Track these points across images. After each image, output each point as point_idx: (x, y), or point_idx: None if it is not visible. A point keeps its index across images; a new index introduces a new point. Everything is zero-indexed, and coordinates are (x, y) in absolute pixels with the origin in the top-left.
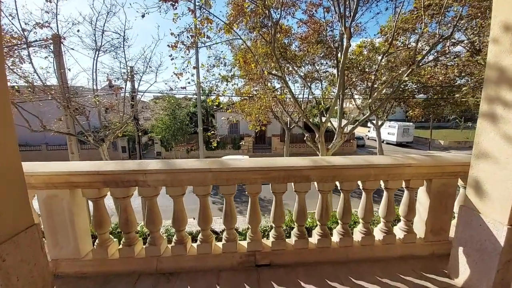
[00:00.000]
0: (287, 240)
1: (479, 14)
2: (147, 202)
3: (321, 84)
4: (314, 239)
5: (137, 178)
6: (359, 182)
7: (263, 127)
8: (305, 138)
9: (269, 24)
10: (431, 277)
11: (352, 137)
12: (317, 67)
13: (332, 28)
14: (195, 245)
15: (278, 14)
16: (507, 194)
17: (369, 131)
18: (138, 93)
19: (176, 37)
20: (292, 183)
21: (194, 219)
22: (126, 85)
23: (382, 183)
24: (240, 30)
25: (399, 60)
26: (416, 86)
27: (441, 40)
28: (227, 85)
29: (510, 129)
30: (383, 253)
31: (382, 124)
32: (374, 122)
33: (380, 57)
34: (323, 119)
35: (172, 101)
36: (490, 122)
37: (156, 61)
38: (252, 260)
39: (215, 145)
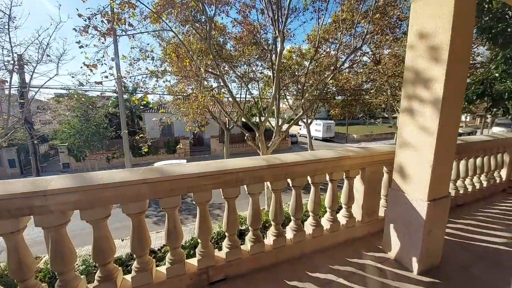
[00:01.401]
0: (242, 247)
1: (379, 31)
2: (51, 234)
3: (258, 84)
4: (269, 240)
5: (32, 203)
6: (308, 177)
7: (202, 128)
8: (246, 138)
9: (203, 19)
10: (370, 255)
11: (287, 135)
12: (253, 68)
13: (266, 31)
14: (129, 277)
15: (212, 10)
16: (425, 175)
17: (300, 129)
18: (31, 89)
19: (86, 20)
20: (245, 186)
21: (122, 240)
22: (11, 77)
23: (327, 176)
24: (170, 22)
25: (323, 66)
26: (335, 89)
27: (354, 50)
28: (157, 81)
29: (425, 121)
30: (331, 241)
31: (311, 122)
32: (305, 120)
33: (307, 63)
34: (262, 118)
35: (83, 99)
36: (409, 116)
37: (58, 49)
38: (204, 278)
39: (146, 150)
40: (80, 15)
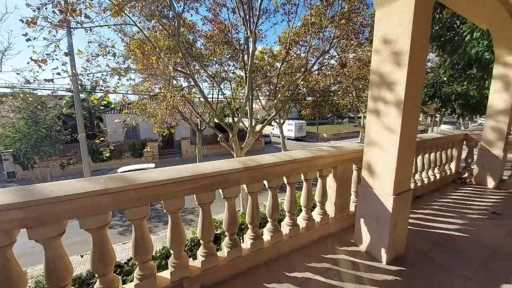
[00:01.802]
0: (218, 253)
1: (345, 36)
2: None
3: (230, 84)
4: (246, 244)
5: None
6: (284, 178)
7: (172, 129)
8: (219, 139)
9: (171, 15)
10: (343, 249)
11: (260, 135)
12: (225, 68)
13: (237, 31)
14: None
15: (181, 6)
16: (390, 171)
17: (273, 129)
18: None
19: (35, 11)
20: (221, 190)
21: (82, 256)
22: None
23: (302, 175)
24: (134, 16)
25: (294, 67)
26: (306, 90)
27: (323, 53)
28: (119, 79)
29: (389, 121)
30: (307, 239)
31: (283, 123)
32: (278, 120)
33: (279, 64)
34: (235, 119)
35: (30, 98)
36: (375, 117)
37: (1, 43)
38: None
39: (108, 155)
40: (28, 5)
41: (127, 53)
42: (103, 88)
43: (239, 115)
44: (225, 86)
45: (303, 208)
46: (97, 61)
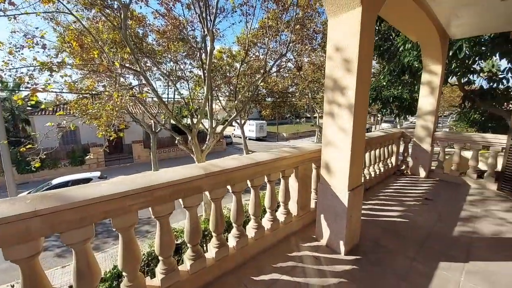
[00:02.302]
0: (180, 267)
1: (300, 41)
2: None
3: (188, 84)
4: (211, 253)
5: None
6: (248, 181)
7: (120, 133)
8: (177, 142)
9: (115, 5)
10: (306, 245)
11: (221, 137)
12: (181, 66)
13: (193, 28)
14: None
15: None
16: (345, 169)
17: (234, 130)
18: None
19: None
20: (181, 199)
21: (12, 286)
22: None
23: (265, 177)
24: (69, 3)
25: (254, 69)
26: (265, 91)
27: (280, 56)
28: (51, 76)
29: (343, 123)
30: (272, 240)
31: (244, 123)
32: (239, 121)
33: (238, 65)
34: (195, 120)
35: None
36: (330, 118)
37: None
38: None
39: (38, 165)
40: None
41: (60, 45)
42: (29, 85)
43: (199, 116)
44: (182, 86)
45: (267, 210)
46: (22, 54)
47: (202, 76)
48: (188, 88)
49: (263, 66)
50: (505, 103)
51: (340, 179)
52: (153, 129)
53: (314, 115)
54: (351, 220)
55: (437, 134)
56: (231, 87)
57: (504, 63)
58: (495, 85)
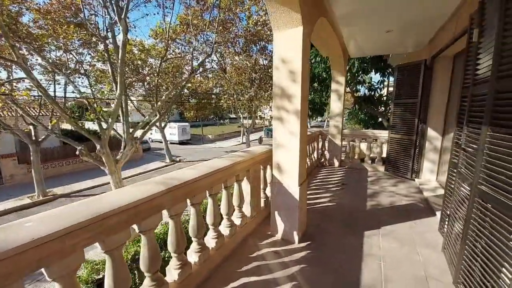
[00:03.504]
0: None
1: (223, 43)
2: None
3: (89, 80)
4: (173, 276)
5: None
6: (207, 191)
7: None
8: (78, 151)
9: None
10: (264, 243)
11: (139, 142)
12: (77, 57)
13: (95, 13)
14: None
15: None
16: (295, 167)
17: (151, 134)
18: None
19: None
20: (135, 225)
21: None
22: None
23: (222, 185)
24: None
25: (176, 67)
26: (189, 91)
27: (207, 56)
28: None
29: (291, 126)
30: (232, 245)
31: (165, 126)
32: (158, 124)
33: (154, 60)
34: (104, 125)
35: None
36: (280, 123)
37: None
38: None
39: None
40: None
41: None
42: None
43: (111, 119)
44: (80, 81)
45: (224, 216)
46: None
47: (110, 71)
48: (89, 84)
49: (190, 65)
50: (379, 106)
51: (291, 177)
52: (35, 138)
53: (244, 116)
54: (301, 211)
55: (344, 131)
56: (146, 85)
57: (378, 77)
58: (373, 93)
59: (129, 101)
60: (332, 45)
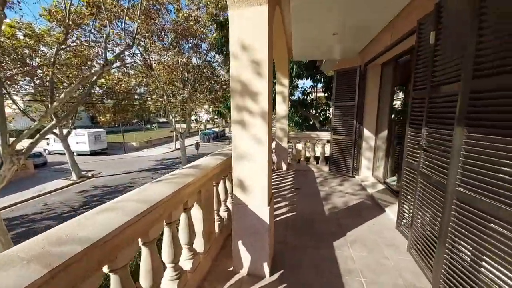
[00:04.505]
0: None
1: (147, 35)
2: None
3: None
4: None
5: None
6: (140, 240)
7: None
8: None
9: None
10: (226, 287)
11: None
12: None
13: None
14: None
15: None
16: (263, 183)
17: (48, 144)
18: None
19: None
20: None
21: None
22: None
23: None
24: None
25: (85, 59)
26: (103, 90)
27: (126, 48)
28: None
29: (257, 132)
30: None
31: (68, 134)
32: (58, 131)
33: (47, 49)
34: None
35: None
36: (242, 128)
37: None
38: None
39: None
40: None
41: None
42: None
43: None
44: None
45: (168, 266)
46: None
47: None
48: None
49: (103, 57)
50: (311, 109)
51: (258, 195)
52: None
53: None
54: (271, 235)
55: (290, 134)
56: (37, 81)
57: (309, 82)
58: (306, 97)
59: (8, 102)
60: (279, 44)
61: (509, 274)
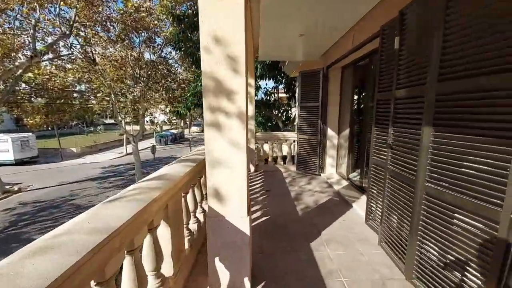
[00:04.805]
0: None
1: (89, 24)
2: None
3: None
4: None
5: None
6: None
7: None
8: None
9: None
10: None
11: None
12: None
13: None
14: None
15: None
16: (242, 190)
17: None
18: None
19: None
20: None
21: None
22: None
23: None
24: None
25: (7, 48)
26: (31, 87)
27: (62, 37)
28: None
29: (234, 135)
30: None
31: None
32: None
33: None
34: None
35: None
36: (217, 131)
37: None
38: None
39: None
40: None
41: None
42: None
43: None
44: None
45: None
46: None
47: None
48: None
49: (32, 46)
50: (273, 110)
51: (237, 205)
52: None
53: (128, 121)
54: (251, 247)
55: (257, 134)
56: None
57: (272, 83)
58: (268, 97)
59: None
60: (247, 42)
61: (474, 260)
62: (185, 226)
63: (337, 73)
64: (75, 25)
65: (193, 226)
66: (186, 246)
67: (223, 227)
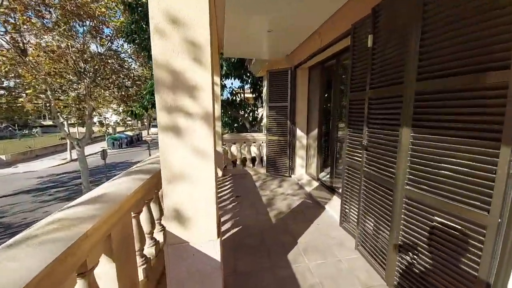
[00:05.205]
0: None
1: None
2: None
3: None
4: None
5: None
6: None
7: None
8: None
9: None
10: None
11: None
12: None
13: None
14: None
15: None
16: (211, 209)
17: None
18: None
19: None
20: None
21: None
22: None
23: None
24: None
25: None
26: None
27: None
28: None
29: (199, 142)
30: None
31: None
32: None
33: None
34: None
35: None
36: (176, 137)
37: None
38: None
39: None
40: None
41: None
42: None
43: None
44: None
45: None
46: None
47: None
48: None
49: None
50: (240, 110)
51: (203, 227)
52: None
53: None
54: (222, 271)
55: (225, 136)
56: None
57: (238, 83)
58: (234, 97)
59: None
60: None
61: (461, 265)
62: (138, 252)
63: (305, 73)
64: (1, 10)
65: (149, 250)
66: (141, 277)
67: (187, 255)
